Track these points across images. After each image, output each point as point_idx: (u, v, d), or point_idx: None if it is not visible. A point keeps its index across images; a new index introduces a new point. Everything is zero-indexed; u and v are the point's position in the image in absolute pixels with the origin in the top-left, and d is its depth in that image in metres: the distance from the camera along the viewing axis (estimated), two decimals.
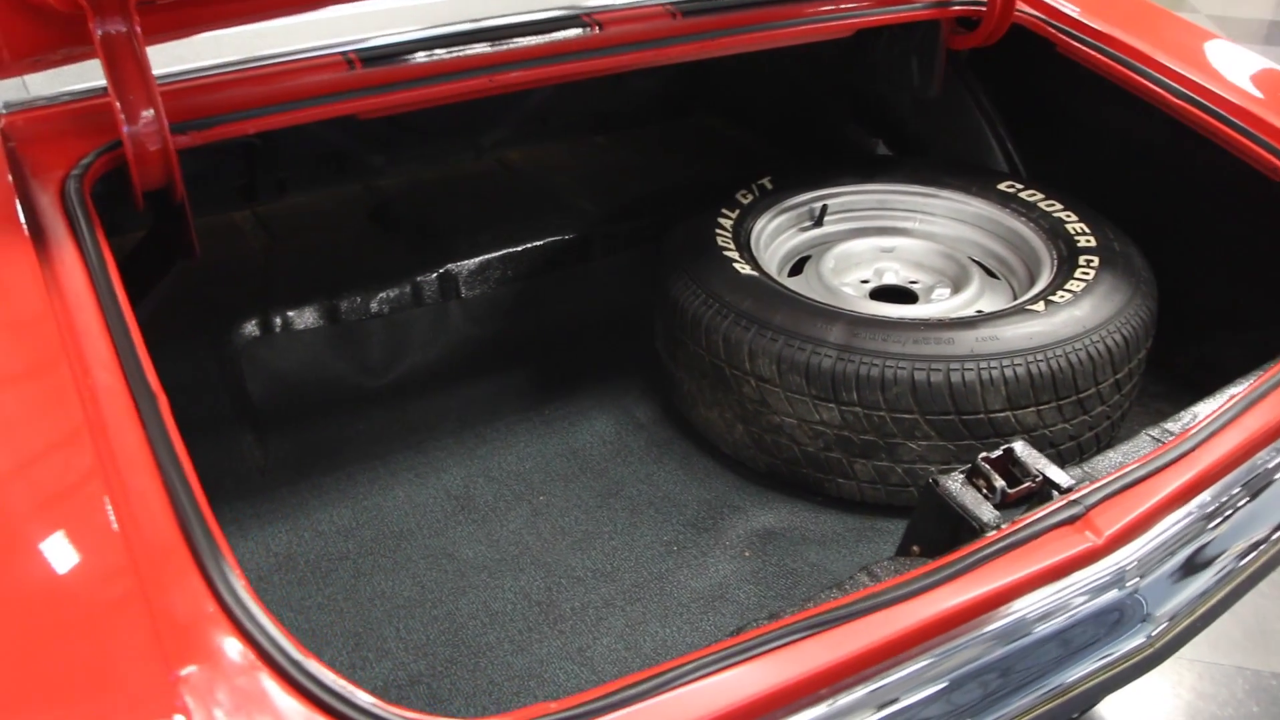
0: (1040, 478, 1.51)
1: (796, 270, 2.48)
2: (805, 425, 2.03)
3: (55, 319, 1.27)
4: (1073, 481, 1.51)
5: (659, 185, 2.97)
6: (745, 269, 2.20)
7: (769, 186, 2.54)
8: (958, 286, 2.41)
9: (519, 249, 2.64)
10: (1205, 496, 1.50)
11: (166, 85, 1.63)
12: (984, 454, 1.53)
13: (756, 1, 2.10)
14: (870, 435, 2.00)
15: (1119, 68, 2.28)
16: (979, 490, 1.49)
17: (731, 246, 2.28)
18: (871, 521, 2.09)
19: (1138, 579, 1.41)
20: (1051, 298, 2.09)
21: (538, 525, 2.08)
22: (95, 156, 1.52)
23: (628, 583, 1.95)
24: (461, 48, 1.82)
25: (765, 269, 2.28)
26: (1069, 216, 2.38)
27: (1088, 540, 1.38)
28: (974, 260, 2.50)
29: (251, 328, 2.34)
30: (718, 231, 2.33)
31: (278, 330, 2.37)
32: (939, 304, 2.35)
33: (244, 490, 2.13)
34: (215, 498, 2.09)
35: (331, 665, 1.74)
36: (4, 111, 1.59)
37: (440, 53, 1.81)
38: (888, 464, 2.03)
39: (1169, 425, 1.71)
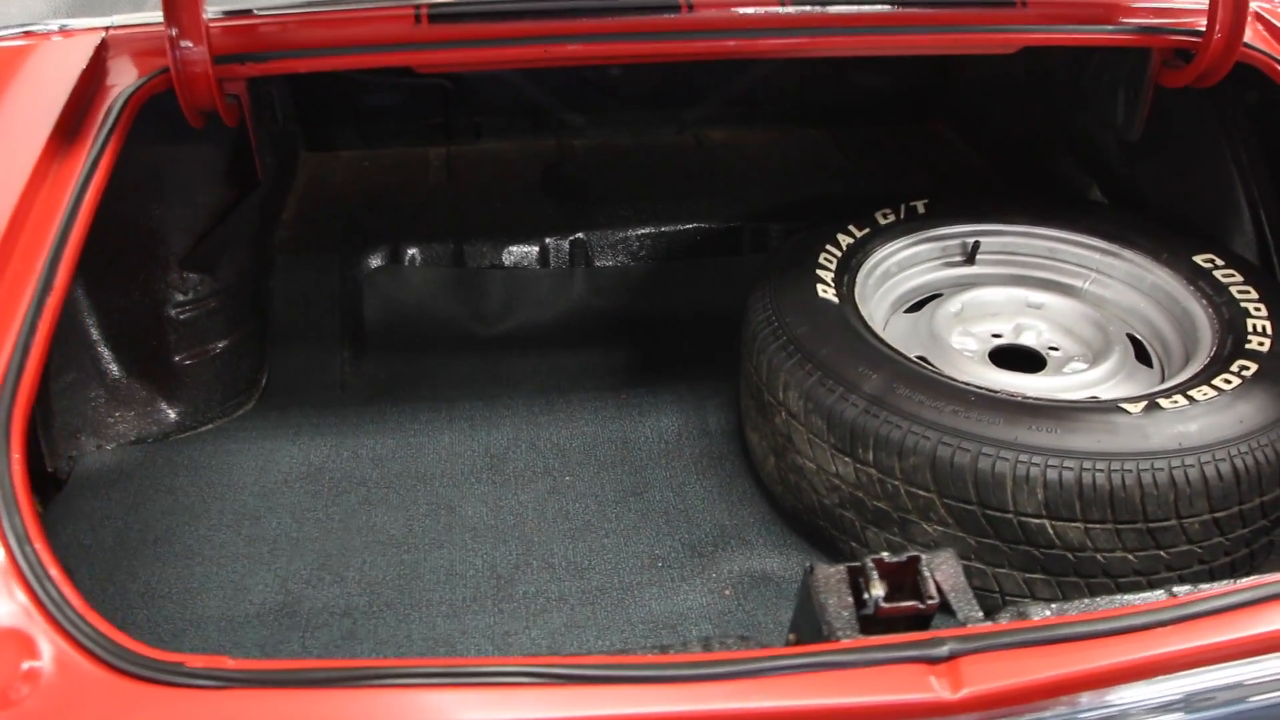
0: (935, 600, 1.27)
1: (919, 309, 2.22)
2: (823, 474, 1.84)
3: (22, 204, 1.44)
4: (977, 617, 1.26)
5: (842, 189, 2.78)
6: (827, 293, 2.01)
7: (920, 210, 2.29)
8: (1095, 363, 2.04)
9: (659, 230, 2.60)
10: (1139, 692, 1.18)
11: (235, 20, 1.77)
12: (883, 554, 1.31)
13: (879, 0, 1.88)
14: (883, 504, 1.77)
15: None
16: (854, 591, 1.29)
17: (830, 267, 2.09)
18: None
19: None
20: (1162, 400, 1.72)
21: (547, 504, 2.06)
22: (151, 76, 1.69)
23: (593, 585, 1.89)
24: (531, 16, 1.81)
25: (861, 297, 2.07)
26: (1258, 309, 1.93)
27: (935, 691, 1.14)
28: (1134, 337, 2.11)
29: (383, 255, 2.51)
30: (826, 249, 2.14)
31: (406, 263, 2.52)
32: (1061, 379, 2.01)
33: (317, 400, 2.30)
34: (289, 402, 2.29)
35: (288, 576, 1.86)
36: (112, 25, 1.82)
37: (508, 17, 1.81)
38: (900, 540, 1.79)
39: (1210, 586, 1.37)
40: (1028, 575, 1.71)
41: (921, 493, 1.71)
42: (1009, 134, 2.83)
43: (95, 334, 2.08)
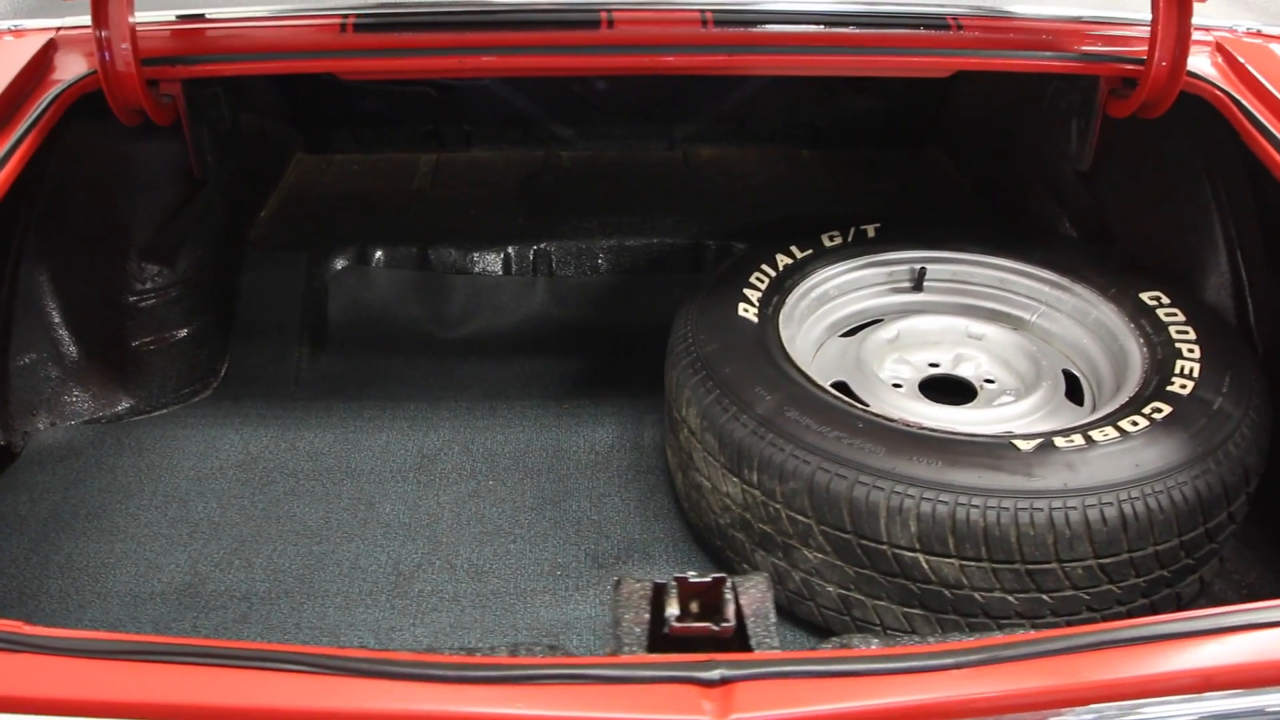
0: (730, 624, 1.25)
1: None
2: (717, 494, 1.83)
3: None
4: (772, 644, 1.25)
5: (818, 211, 2.75)
6: (747, 312, 2.00)
7: (870, 234, 2.26)
8: (1020, 398, 1.98)
9: (622, 243, 2.62)
10: None
11: (167, 25, 1.86)
12: (690, 574, 1.30)
13: (807, 20, 1.87)
14: (767, 527, 1.75)
15: None
16: (655, 608, 1.28)
17: (759, 287, 2.08)
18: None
19: None
20: (1058, 439, 1.66)
21: (465, 506, 2.09)
22: (83, 76, 1.79)
23: (489, 589, 1.91)
24: (450, 28, 1.85)
25: (788, 319, 2.05)
26: (1191, 351, 1.85)
27: (701, 714, 1.13)
28: (1074, 373, 2.05)
29: (350, 256, 2.58)
30: (760, 268, 2.13)
31: (372, 264, 2.59)
32: (981, 412, 1.96)
33: (268, 393, 2.38)
34: (243, 393, 2.37)
35: (200, 559, 1.93)
36: (63, 26, 1.92)
37: (427, 29, 1.85)
38: (785, 565, 1.76)
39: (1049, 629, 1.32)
40: (907, 610, 1.67)
41: (800, 518, 1.69)
42: (992, 162, 2.77)
43: (56, 317, 2.19)
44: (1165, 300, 1.99)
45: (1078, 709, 1.16)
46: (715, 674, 1.15)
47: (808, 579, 1.74)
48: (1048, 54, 1.90)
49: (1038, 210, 2.53)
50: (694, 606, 1.31)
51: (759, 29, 1.87)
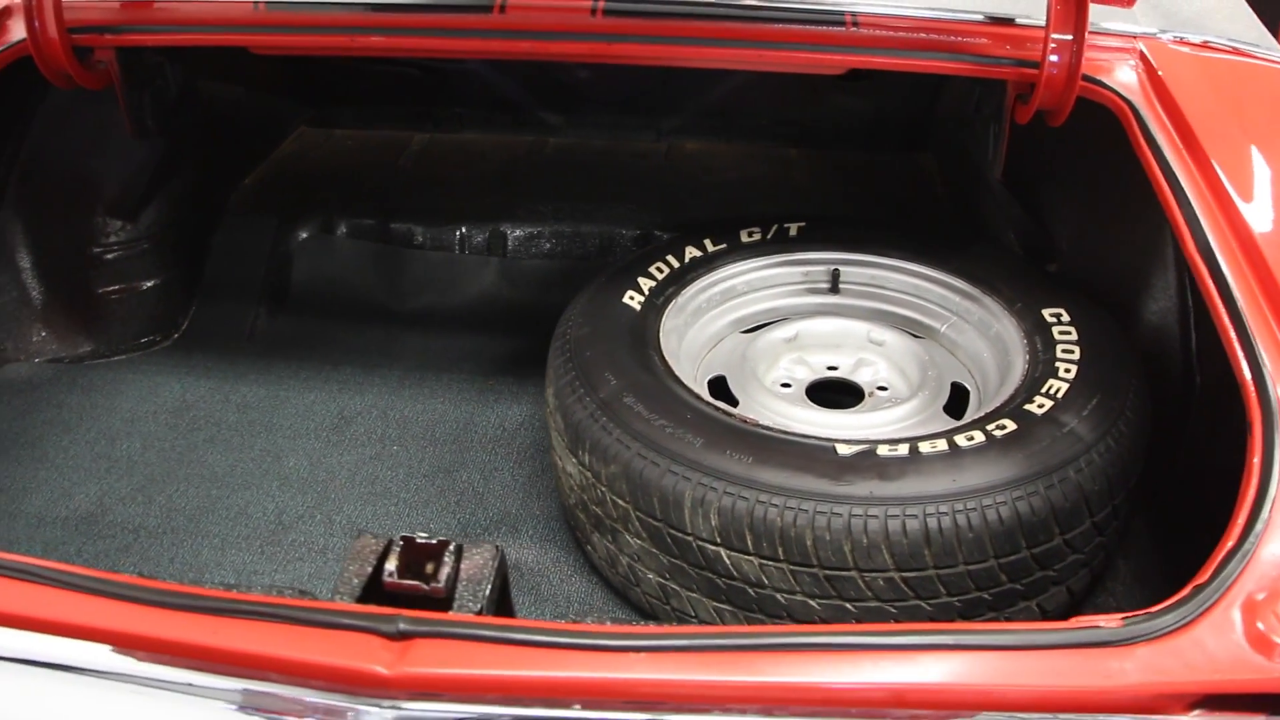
0: (440, 585, 1.29)
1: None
2: (565, 474, 1.86)
3: None
4: (471, 608, 1.28)
5: (780, 210, 2.72)
6: (631, 300, 2.02)
7: (792, 233, 2.23)
8: (895, 407, 1.93)
9: (575, 229, 2.66)
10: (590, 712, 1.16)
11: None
12: (418, 535, 1.35)
13: (696, 14, 1.87)
14: (598, 510, 1.77)
15: (1171, 203, 1.62)
16: (379, 562, 1.33)
17: (656, 277, 2.09)
18: (610, 608, 1.86)
19: None
20: (882, 447, 1.63)
21: (361, 468, 2.18)
22: (16, 43, 1.95)
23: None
24: (346, 8, 1.93)
25: (679, 310, 2.06)
26: (1067, 371, 1.78)
27: (374, 663, 1.18)
28: (968, 386, 1.99)
29: (318, 225, 2.71)
30: (665, 258, 2.14)
31: (336, 234, 2.71)
32: (855, 416, 1.93)
33: (218, 346, 2.52)
34: (198, 346, 2.53)
35: (108, 492, 2.07)
36: None
37: (326, 8, 1.94)
38: (614, 549, 1.78)
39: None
40: (716, 604, 1.67)
41: (620, 502, 1.70)
42: (962, 170, 2.68)
43: (26, 263, 2.39)
44: (1064, 318, 1.91)
45: (730, 706, 1.15)
46: (396, 627, 1.19)
47: (632, 564, 1.75)
48: (944, 55, 1.84)
49: (988, 221, 2.44)
50: (429, 568, 1.36)
51: (646, 20, 1.88)
